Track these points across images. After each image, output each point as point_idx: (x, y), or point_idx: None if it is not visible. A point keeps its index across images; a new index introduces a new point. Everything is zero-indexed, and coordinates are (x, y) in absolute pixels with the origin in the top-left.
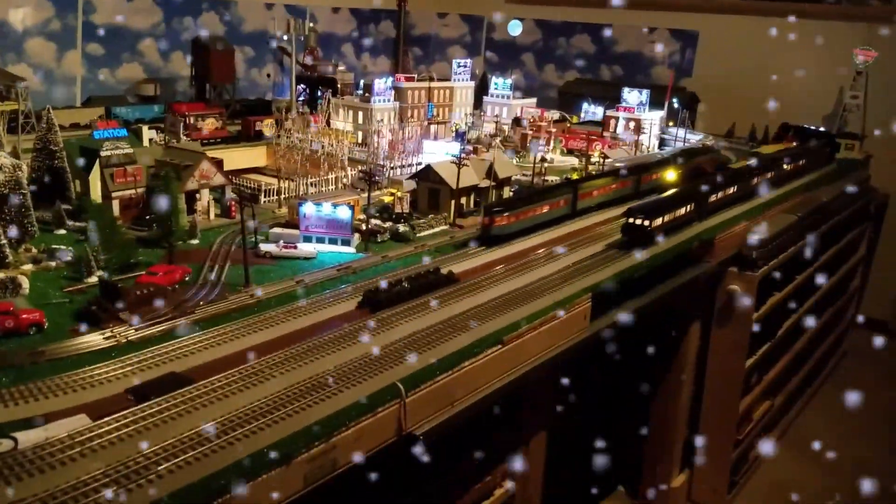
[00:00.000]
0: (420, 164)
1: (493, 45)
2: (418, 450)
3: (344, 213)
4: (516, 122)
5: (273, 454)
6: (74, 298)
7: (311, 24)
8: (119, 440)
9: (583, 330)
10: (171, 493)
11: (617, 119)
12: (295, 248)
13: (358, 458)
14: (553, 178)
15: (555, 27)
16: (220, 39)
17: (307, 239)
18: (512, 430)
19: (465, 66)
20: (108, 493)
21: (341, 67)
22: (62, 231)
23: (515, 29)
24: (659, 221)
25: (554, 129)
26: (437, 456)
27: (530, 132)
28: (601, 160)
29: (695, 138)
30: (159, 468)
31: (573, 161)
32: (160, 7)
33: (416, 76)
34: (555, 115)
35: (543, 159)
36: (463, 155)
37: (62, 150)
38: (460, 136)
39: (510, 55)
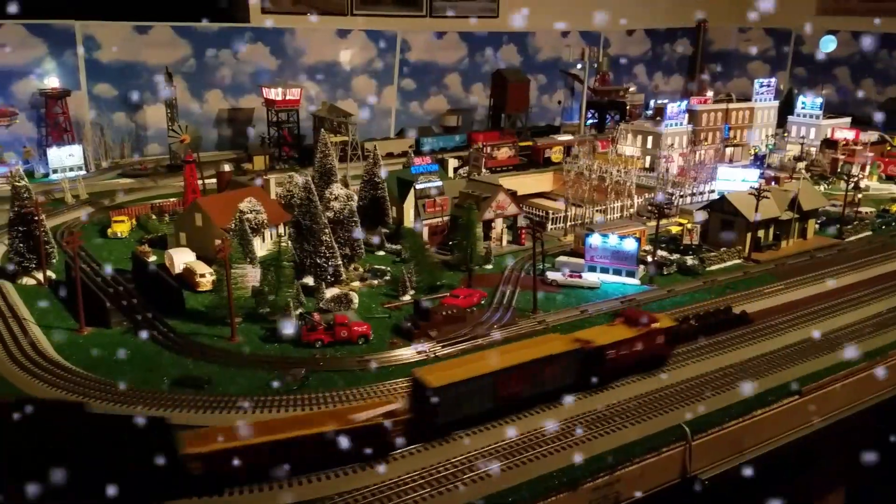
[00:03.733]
0: (713, 192)
1: (800, 59)
2: (702, 494)
3: (630, 244)
4: (826, 143)
5: (560, 479)
6: (392, 314)
7: (604, 49)
8: (431, 447)
9: None
10: (470, 501)
11: None
12: (580, 277)
13: (640, 494)
14: (868, 210)
15: (875, 38)
16: (516, 70)
17: (591, 268)
18: (806, 483)
19: (768, 86)
20: (424, 494)
21: (632, 89)
22: (382, 253)
23: (828, 45)
24: None
25: (871, 153)
26: (720, 502)
27: (842, 156)
28: None
29: None
30: (464, 477)
31: (894, 188)
32: (465, 42)
33: (712, 94)
34: (872, 136)
35: (857, 187)
36: (761, 182)
37: (384, 182)
38: (759, 159)
39: (820, 70)
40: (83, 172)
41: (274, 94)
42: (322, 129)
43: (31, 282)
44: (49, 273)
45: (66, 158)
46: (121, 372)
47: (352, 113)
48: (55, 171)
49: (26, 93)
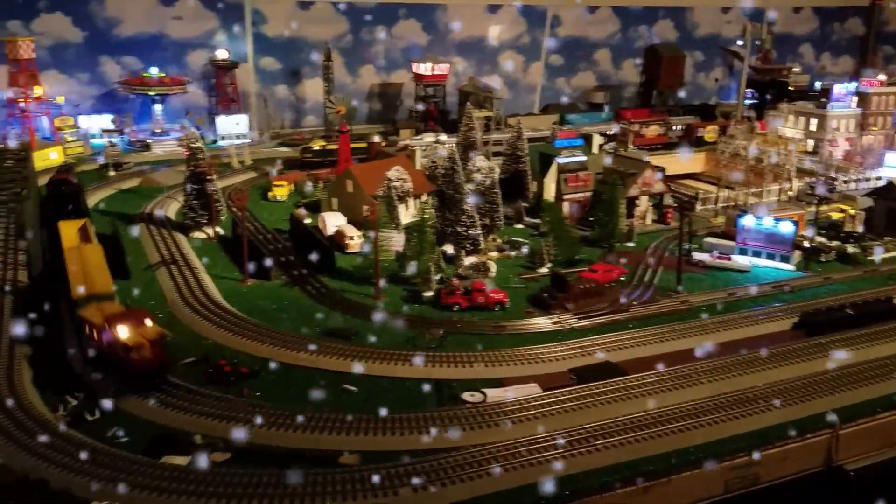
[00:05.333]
0: (880, 178)
1: None
2: (847, 485)
3: (786, 228)
4: None
5: (698, 455)
6: (529, 285)
7: (768, 26)
8: (563, 411)
9: None
10: (605, 466)
11: None
12: (729, 259)
13: (782, 478)
14: None
15: None
16: (671, 46)
17: (742, 251)
18: None
19: None
20: (555, 455)
21: (796, 69)
22: (520, 226)
23: None
24: None
25: None
26: (867, 495)
27: None
28: None
29: None
30: (597, 442)
31: None
32: (619, 17)
33: (884, 77)
34: None
35: None
36: None
37: (526, 156)
38: None
39: None
40: (248, 140)
41: (423, 69)
42: (467, 104)
43: (202, 236)
44: (218, 229)
45: (232, 126)
46: (278, 320)
47: (497, 88)
48: (223, 138)
49: (198, 63)
